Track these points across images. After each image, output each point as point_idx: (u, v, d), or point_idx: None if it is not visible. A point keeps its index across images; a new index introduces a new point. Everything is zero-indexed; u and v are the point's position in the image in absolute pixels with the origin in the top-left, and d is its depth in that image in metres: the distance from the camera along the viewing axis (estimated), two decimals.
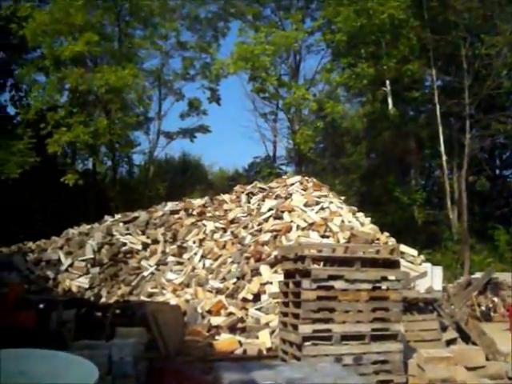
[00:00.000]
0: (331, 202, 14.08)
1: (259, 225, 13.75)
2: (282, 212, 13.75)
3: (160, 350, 8.58)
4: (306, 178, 15.98)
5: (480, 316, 18.42)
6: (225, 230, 14.41)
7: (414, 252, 13.58)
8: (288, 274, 8.26)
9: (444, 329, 10.24)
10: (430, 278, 13.05)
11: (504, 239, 26.48)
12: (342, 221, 13.18)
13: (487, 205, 33.06)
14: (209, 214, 15.53)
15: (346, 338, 7.29)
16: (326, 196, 14.47)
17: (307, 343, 7.23)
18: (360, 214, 14.58)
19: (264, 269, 11.65)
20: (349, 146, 33.02)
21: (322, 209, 13.72)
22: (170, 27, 26.37)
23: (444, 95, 25.87)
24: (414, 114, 28.78)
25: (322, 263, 8.33)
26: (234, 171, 32.52)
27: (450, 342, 10.04)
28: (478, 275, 21.04)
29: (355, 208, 14.99)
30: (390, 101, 27.92)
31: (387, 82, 27.71)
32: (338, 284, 7.38)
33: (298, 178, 15.84)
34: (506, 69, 25.23)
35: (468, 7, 24.10)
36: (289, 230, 12.94)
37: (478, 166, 30.99)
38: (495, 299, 19.63)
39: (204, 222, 14.98)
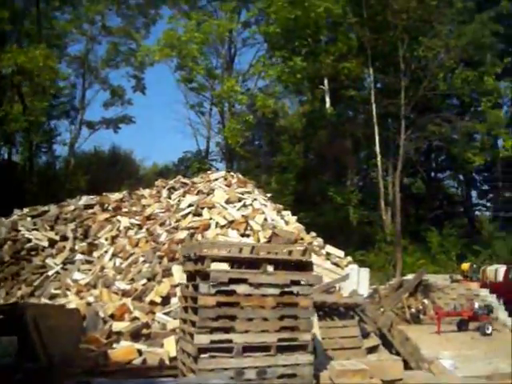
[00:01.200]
0: (255, 199, 13.25)
1: (177, 221, 12.76)
2: (202, 208, 12.81)
3: (41, 360, 7.45)
4: (232, 173, 15.10)
5: (410, 318, 18.09)
6: (140, 227, 13.33)
7: (341, 253, 12.93)
8: (190, 276, 7.33)
9: (366, 335, 9.58)
10: (356, 281, 12.39)
11: (436, 241, 26.53)
12: (265, 219, 12.37)
13: (422, 207, 33.29)
14: (125, 210, 14.40)
15: (248, 349, 6.41)
16: (249, 193, 13.63)
17: (204, 355, 6.32)
18: (286, 213, 13.81)
19: (176, 269, 10.64)
20: (286, 145, 32.44)
21: (245, 206, 12.87)
22: (95, 10, 24.72)
23: (381, 95, 25.63)
24: (352, 113, 28.36)
25: (230, 265, 7.43)
26: (163, 166, 31.22)
27: (371, 350, 9.39)
28: (409, 277, 20.81)
29: (281, 206, 14.21)
30: (327, 99, 27.56)
31: (325, 81, 27.30)
32: (241, 288, 6.51)
33: (222, 173, 14.95)
34: (442, 71, 25.21)
35: (406, 8, 23.90)
36: (207, 227, 12.02)
37: (414, 168, 31.11)
38: (425, 301, 19.36)
39: (119, 217, 13.82)
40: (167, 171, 28.19)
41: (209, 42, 23.66)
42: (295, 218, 13.70)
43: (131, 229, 13.29)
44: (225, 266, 7.36)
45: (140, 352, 8.55)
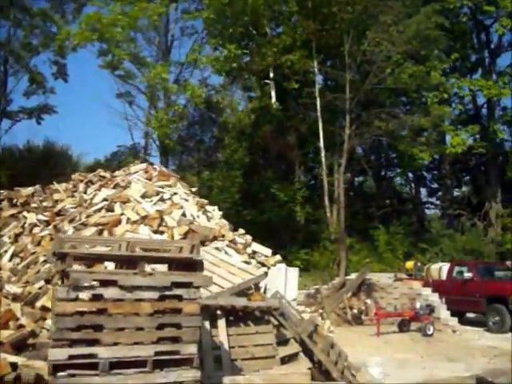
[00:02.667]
0: (175, 194, 12.10)
1: (88, 217, 11.47)
2: (116, 203, 11.57)
3: None
4: (156, 166, 13.91)
5: (351, 319, 17.29)
6: (48, 224, 11.98)
7: (268, 251, 11.91)
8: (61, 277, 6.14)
9: (285, 342, 8.54)
10: (283, 282, 11.41)
11: (383, 239, 25.96)
12: (184, 214, 11.24)
13: (371, 205, 32.75)
14: (34, 205, 13.00)
15: (117, 365, 5.28)
16: (170, 186, 12.46)
17: (61, 373, 5.15)
18: (211, 208, 12.74)
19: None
20: (232, 141, 31.38)
21: (162, 200, 11.71)
22: None
23: (327, 90, 24.82)
24: (298, 108, 27.42)
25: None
26: (96, 162, 29.50)
27: (290, 358, 8.36)
28: (353, 276, 20.06)
29: (205, 201, 13.10)
30: (273, 94, 26.61)
31: (271, 75, 26.39)
32: (110, 292, 5.36)
33: (143, 165, 13.73)
34: (389, 66, 24.56)
35: (352, 0, 23.18)
36: (117, 223, 10.82)
37: (363, 166, 30.54)
38: (368, 301, 18.62)
39: (25, 213, 12.45)
40: (99, 167, 26.58)
41: (138, 28, 22.22)
42: (220, 213, 12.63)
43: (38, 226, 11.94)
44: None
45: (15, 366, 7.28)
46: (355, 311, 17.72)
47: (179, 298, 5.61)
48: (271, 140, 25.67)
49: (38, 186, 14.11)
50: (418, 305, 15.45)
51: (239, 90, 35.08)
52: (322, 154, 23.74)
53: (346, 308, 17.96)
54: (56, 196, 13.24)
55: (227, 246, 10.55)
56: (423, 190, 36.85)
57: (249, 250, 11.74)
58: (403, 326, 15.28)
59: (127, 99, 24.24)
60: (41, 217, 12.24)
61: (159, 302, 5.53)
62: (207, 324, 7.64)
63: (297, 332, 8.34)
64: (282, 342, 8.47)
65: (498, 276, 17.69)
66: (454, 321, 15.90)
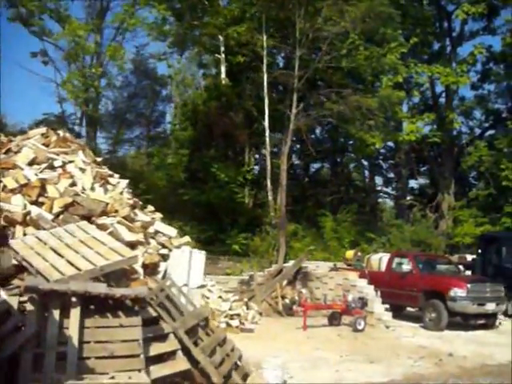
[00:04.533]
0: (70, 162, 10.57)
1: None
2: (4, 169, 10.00)
3: None
4: (60, 132, 12.31)
5: (282, 310, 16.18)
6: None
7: (172, 232, 10.56)
8: None
9: (163, 338, 7.19)
10: (186, 266, 10.08)
11: (330, 226, 25.01)
12: (73, 185, 9.75)
13: (323, 191, 31.72)
14: None
15: None
16: (66, 154, 10.92)
17: None
18: (115, 181, 11.25)
19: None
20: (182, 118, 29.89)
21: (52, 168, 10.17)
22: None
23: (277, 67, 23.43)
24: (246, 85, 25.93)
25: None
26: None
27: (164, 357, 7.03)
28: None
29: (109, 172, 11.64)
30: (222, 69, 25.15)
31: (221, 49, 24.91)
32: None
33: (43, 129, 12.12)
34: (345, 47, 23.31)
35: None
36: None
37: (318, 151, 29.36)
38: (303, 291, 17.55)
39: None
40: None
41: None
42: (123, 187, 11.15)
43: None
44: None
45: None
46: (287, 301, 16.63)
47: None
48: (217, 117, 24.21)
49: None
50: (349, 297, 14.37)
51: (194, 66, 33.65)
52: (267, 133, 22.42)
53: (277, 297, 16.88)
54: None
55: (118, 222, 9.12)
56: (379, 179, 36.06)
57: (151, 230, 10.35)
58: (334, 320, 14.25)
59: (43, 59, 22.08)
60: None
61: None
62: (56, 313, 6.24)
63: (173, 327, 6.99)
64: (159, 337, 7.13)
65: (440, 270, 16.82)
66: (389, 316, 14.84)
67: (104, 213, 9.25)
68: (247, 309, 14.52)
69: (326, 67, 22.78)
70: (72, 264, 6.66)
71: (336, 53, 22.52)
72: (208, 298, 13.70)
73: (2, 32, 43.84)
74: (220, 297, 14.03)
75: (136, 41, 24.81)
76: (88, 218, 8.95)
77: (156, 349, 6.92)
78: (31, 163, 10.23)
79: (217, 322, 12.40)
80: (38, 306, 6.29)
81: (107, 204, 9.55)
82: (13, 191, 9.15)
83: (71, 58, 20.35)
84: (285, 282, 17.90)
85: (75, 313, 6.26)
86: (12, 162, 10.11)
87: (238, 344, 8.18)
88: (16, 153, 10.83)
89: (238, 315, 13.43)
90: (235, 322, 12.93)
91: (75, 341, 6.03)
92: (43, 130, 12.02)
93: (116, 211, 9.50)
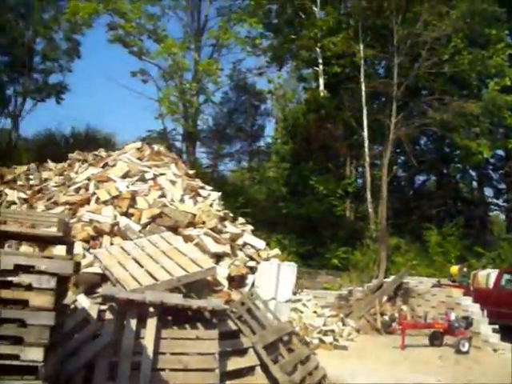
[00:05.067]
0: (162, 174, 10.81)
1: (64, 196, 10.43)
2: (102, 182, 10.46)
3: None
4: (154, 146, 12.70)
5: (380, 327, 15.48)
6: (26, 202, 11.05)
7: (261, 244, 10.39)
8: None
9: (242, 352, 7.02)
10: (275, 279, 9.85)
11: (435, 240, 23.68)
12: (162, 196, 9.92)
13: (429, 204, 30.21)
14: (20, 183, 12.16)
15: None
16: (158, 166, 11.19)
17: None
18: (206, 193, 11.33)
19: None
20: (284, 132, 29.95)
21: (143, 180, 10.43)
22: None
23: (375, 75, 22.76)
24: (343, 95, 25.41)
25: None
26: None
27: (242, 373, 6.85)
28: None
29: (200, 184, 11.74)
30: (321, 81, 24.90)
31: (319, 60, 24.69)
32: None
33: (138, 144, 12.54)
34: (448, 52, 22.17)
35: None
36: (85, 202, 9.69)
37: (422, 162, 28.10)
38: (404, 308, 16.70)
39: (6, 191, 11.61)
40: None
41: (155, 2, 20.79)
42: (215, 199, 11.19)
43: (15, 203, 11.04)
44: None
45: None
46: (387, 318, 15.89)
47: (28, 286, 4.25)
48: (316, 130, 23.94)
49: (33, 164, 13.30)
50: (452, 316, 13.38)
51: (294, 80, 33.67)
52: (366, 144, 21.77)
53: (376, 314, 16.19)
54: (44, 174, 12.34)
55: (205, 233, 9.12)
56: (489, 190, 33.69)
57: (240, 242, 10.28)
58: (435, 340, 13.32)
59: (142, 77, 22.88)
60: (22, 195, 11.35)
61: (3, 289, 4.20)
62: (134, 323, 6.26)
63: (252, 341, 6.79)
64: (238, 351, 6.96)
65: None
66: (497, 338, 13.57)
67: (191, 224, 9.29)
68: (343, 325, 14.04)
69: (427, 74, 21.75)
70: (150, 274, 6.68)
71: (437, 58, 21.43)
72: (302, 312, 13.41)
73: (104, 54, 46.83)
74: (315, 312, 13.66)
75: (232, 56, 25.10)
76: (175, 228, 9.05)
77: (234, 363, 6.76)
78: (124, 176, 10.55)
79: (310, 337, 12.11)
80: (116, 314, 6.36)
81: (195, 215, 9.59)
82: (105, 203, 9.47)
83: (168, 76, 21.03)
84: (385, 298, 17.11)
85: (152, 323, 6.24)
86: (106, 176, 10.48)
87: (329, 362, 7.82)
88: (112, 166, 11.24)
89: (333, 331, 12.98)
90: (329, 339, 12.46)
91: (150, 351, 6.01)
92: (138, 144, 12.43)
93: (203, 223, 9.52)
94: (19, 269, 4.25)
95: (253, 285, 9.58)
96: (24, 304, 4.24)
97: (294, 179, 24.90)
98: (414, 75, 20.90)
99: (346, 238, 22.93)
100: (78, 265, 6.10)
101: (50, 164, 13.08)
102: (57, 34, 23.92)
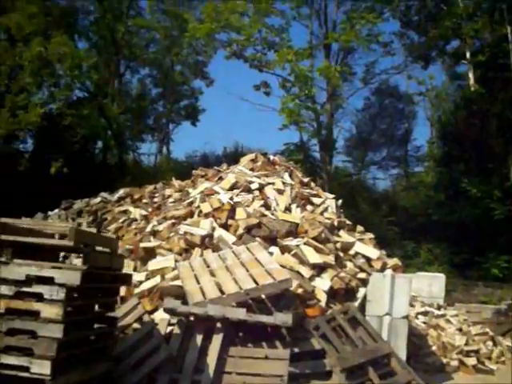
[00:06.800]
0: (270, 183, 10.44)
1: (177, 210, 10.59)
2: (208, 195, 10.44)
3: None
4: (271, 156, 12.43)
5: None
6: (147, 218, 11.42)
7: (374, 254, 9.48)
8: None
9: (326, 375, 6.33)
10: (387, 292, 8.89)
11: None
12: (264, 206, 9.54)
13: None
14: (145, 201, 12.65)
15: None
16: (267, 176, 10.83)
17: None
18: (319, 201, 10.72)
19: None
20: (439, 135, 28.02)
21: (249, 190, 10.16)
22: None
23: None
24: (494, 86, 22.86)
25: None
26: None
27: None
28: None
29: (313, 192, 11.13)
30: (470, 75, 22.87)
31: (467, 53, 22.71)
32: None
33: (252, 155, 12.32)
34: None
35: None
36: (189, 215, 9.70)
37: None
38: None
39: (130, 208, 12.14)
40: None
41: (265, 12, 20.24)
42: (326, 208, 10.52)
43: (136, 220, 11.47)
44: None
45: None
46: None
47: (40, 296, 4.14)
48: (467, 128, 21.87)
49: (160, 183, 13.83)
50: None
51: (447, 79, 31.41)
52: None
53: None
54: (168, 192, 12.70)
55: (305, 243, 8.54)
56: None
57: (352, 252, 9.51)
58: None
59: (265, 90, 22.52)
60: (143, 212, 11.76)
61: (15, 300, 4.14)
62: (199, 338, 5.96)
63: (330, 363, 6.08)
64: (319, 374, 6.28)
65: None
66: None
67: (291, 233, 8.79)
68: (493, 345, 12.33)
69: None
70: (219, 287, 6.32)
71: None
72: (444, 329, 12.13)
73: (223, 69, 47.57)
74: (460, 329, 12.25)
75: (365, 59, 24.03)
76: (272, 239, 8.63)
77: None
78: (232, 188, 10.40)
79: (448, 358, 10.82)
80: (182, 329, 6.11)
81: (297, 225, 9.07)
82: (207, 215, 9.36)
83: (288, 84, 20.62)
84: None
85: (217, 339, 5.89)
86: (213, 189, 10.42)
87: None
88: (223, 179, 11.17)
89: (477, 352, 11.42)
90: (472, 360, 10.94)
91: (211, 370, 5.64)
92: (252, 155, 12.25)
93: (306, 232, 8.95)
94: (34, 280, 4.18)
95: (364, 299, 8.76)
96: (35, 315, 4.14)
97: (445, 183, 22.93)
98: None
99: (508, 244, 20.40)
100: (128, 277, 5.97)
101: (175, 182, 13.43)
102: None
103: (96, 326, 5.22)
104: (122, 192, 13.99)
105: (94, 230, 12.17)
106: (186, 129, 43.94)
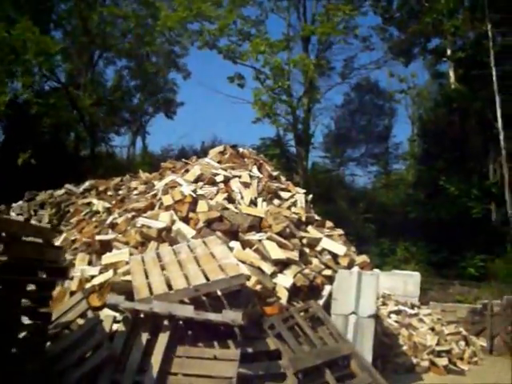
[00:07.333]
0: (235, 176, 10.07)
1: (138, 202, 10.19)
2: (172, 188, 10.04)
3: None
4: (240, 149, 12.08)
5: None
6: (109, 211, 11.00)
7: (340, 250, 9.14)
8: None
9: (281, 377, 5.95)
10: (354, 289, 8.56)
11: None
12: (228, 199, 9.17)
13: None
14: (109, 193, 12.25)
15: None
16: (233, 169, 10.46)
17: None
18: (287, 195, 10.39)
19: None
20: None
21: (213, 183, 9.78)
22: None
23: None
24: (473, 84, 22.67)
25: None
26: None
27: None
28: None
29: (283, 187, 10.81)
30: (451, 74, 22.68)
31: (448, 51, 22.50)
32: None
33: (221, 147, 11.96)
34: None
35: None
36: (150, 208, 9.30)
37: None
38: None
39: (94, 201, 11.73)
40: None
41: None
42: (294, 202, 10.20)
43: (98, 213, 11.05)
44: None
45: None
46: None
47: None
48: (446, 125, 21.69)
49: (127, 176, 13.42)
50: None
51: (428, 76, 31.25)
52: (501, 137, 19.07)
53: None
54: (133, 184, 12.29)
55: (268, 238, 8.19)
56: None
57: (318, 248, 9.17)
58: None
59: (239, 82, 21.93)
60: (106, 204, 11.35)
61: None
62: (144, 337, 5.57)
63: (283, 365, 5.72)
64: (277, 375, 5.91)
65: None
66: None
67: (254, 228, 8.42)
68: (466, 345, 12.10)
69: None
70: (167, 282, 5.93)
71: None
72: (416, 328, 11.88)
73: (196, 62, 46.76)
74: (432, 328, 12.01)
75: (344, 54, 23.79)
76: (234, 233, 8.25)
77: None
78: (196, 180, 10.02)
79: (419, 358, 10.56)
80: (128, 326, 5.72)
81: (261, 219, 8.71)
82: (168, 208, 8.98)
83: (262, 77, 20.14)
84: None
85: (163, 338, 5.50)
86: (177, 181, 10.04)
87: None
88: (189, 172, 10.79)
89: (448, 352, 11.16)
90: (443, 361, 10.67)
91: (155, 371, 5.25)
92: (221, 148, 11.89)
93: (270, 226, 8.59)
94: None
95: (329, 297, 8.43)
96: None
97: (425, 181, 22.73)
98: None
99: (486, 244, 20.27)
100: (65, 270, 5.58)
101: (142, 174, 13.02)
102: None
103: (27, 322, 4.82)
104: (87, 184, 13.56)
105: (55, 222, 11.80)
106: (163, 122, 43.49)
